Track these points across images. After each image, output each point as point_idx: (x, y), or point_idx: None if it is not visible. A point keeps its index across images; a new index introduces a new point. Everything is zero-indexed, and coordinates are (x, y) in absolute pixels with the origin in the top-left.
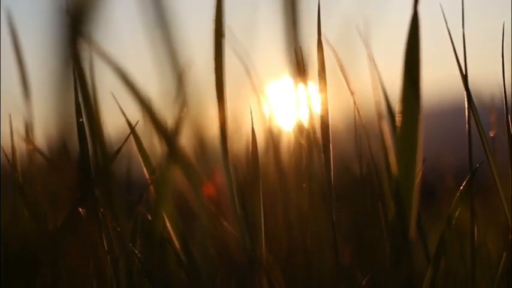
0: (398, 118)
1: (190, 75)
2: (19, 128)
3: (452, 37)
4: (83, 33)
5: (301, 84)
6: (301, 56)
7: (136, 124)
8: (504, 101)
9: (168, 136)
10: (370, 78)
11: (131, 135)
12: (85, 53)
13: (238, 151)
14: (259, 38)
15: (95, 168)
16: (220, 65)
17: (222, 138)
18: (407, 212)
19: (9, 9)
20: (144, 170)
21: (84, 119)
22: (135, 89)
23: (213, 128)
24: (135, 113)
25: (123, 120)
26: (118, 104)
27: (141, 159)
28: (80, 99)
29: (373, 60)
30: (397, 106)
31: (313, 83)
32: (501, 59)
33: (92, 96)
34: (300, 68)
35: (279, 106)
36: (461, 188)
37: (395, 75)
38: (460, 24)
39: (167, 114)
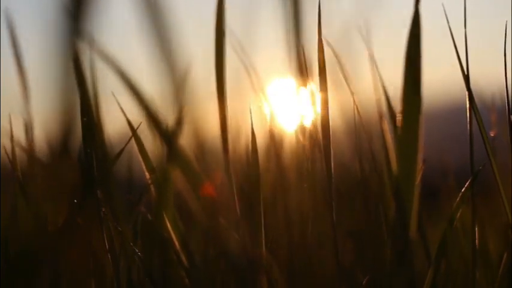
0: (399, 118)
1: (190, 75)
2: (19, 128)
3: (454, 37)
4: (82, 32)
5: (302, 84)
6: (303, 55)
7: (139, 126)
8: (506, 101)
9: (168, 136)
10: (371, 77)
11: (132, 136)
12: (85, 53)
13: (238, 151)
14: (259, 37)
15: (96, 169)
16: (221, 65)
17: (223, 138)
18: (408, 212)
19: (8, 8)
20: (145, 170)
21: (83, 119)
22: (135, 89)
23: (212, 128)
24: (135, 113)
25: (123, 120)
26: (119, 104)
27: (141, 160)
28: (79, 99)
29: (374, 60)
30: (397, 105)
31: (314, 82)
32: (503, 58)
33: (92, 96)
34: (301, 68)
35: (280, 106)
36: (463, 189)
37: (395, 75)
38: (462, 24)
39: (167, 114)
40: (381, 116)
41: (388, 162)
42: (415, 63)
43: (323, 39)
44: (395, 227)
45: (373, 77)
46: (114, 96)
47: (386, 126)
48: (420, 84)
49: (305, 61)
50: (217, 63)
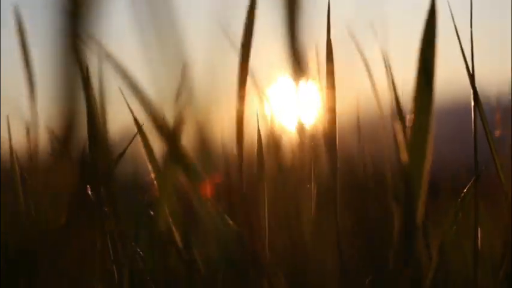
0: (410, 117)
1: (192, 74)
2: (20, 127)
3: (460, 36)
4: (84, 31)
5: (304, 84)
6: (305, 55)
7: (143, 124)
8: (511, 100)
9: (170, 136)
10: (381, 75)
11: (137, 132)
12: (89, 51)
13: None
14: (260, 37)
15: (99, 168)
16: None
17: (238, 139)
18: (414, 214)
19: (17, 8)
20: (149, 168)
21: (88, 117)
22: (136, 88)
23: (215, 128)
24: (139, 111)
25: (127, 118)
26: (126, 101)
27: (146, 157)
28: (84, 97)
29: (386, 58)
30: (408, 105)
31: (315, 82)
32: (511, 58)
33: (97, 94)
34: (302, 68)
35: (282, 106)
36: (466, 188)
37: (406, 73)
38: (467, 23)
39: (169, 112)
40: (390, 115)
41: (399, 162)
42: (429, 61)
43: (331, 37)
44: (400, 229)
45: (384, 74)
46: (121, 93)
47: (397, 125)
48: (433, 84)
49: (306, 60)
50: (242, 66)
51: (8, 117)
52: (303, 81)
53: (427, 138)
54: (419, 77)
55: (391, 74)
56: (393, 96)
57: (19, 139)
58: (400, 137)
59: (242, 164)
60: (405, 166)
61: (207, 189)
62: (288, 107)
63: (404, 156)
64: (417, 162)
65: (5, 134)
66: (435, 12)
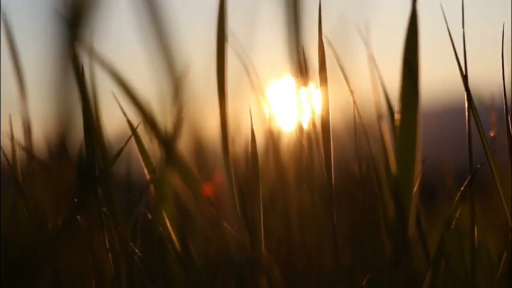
0: (397, 117)
1: (188, 76)
2: (19, 128)
3: (453, 37)
4: (80, 36)
5: (301, 84)
6: (302, 55)
7: (138, 125)
8: (504, 101)
9: (166, 140)
10: (370, 77)
11: (132, 135)
12: (83, 56)
13: (238, 151)
14: (259, 37)
15: (97, 169)
16: (222, 65)
17: (223, 138)
18: (407, 212)
19: (5, 10)
20: (145, 170)
21: (83, 119)
22: (131, 94)
23: (211, 130)
24: (134, 113)
25: (122, 119)
26: (119, 104)
27: (141, 160)
28: (79, 99)
29: (373, 60)
30: (396, 105)
31: (313, 82)
32: (501, 59)
33: (92, 96)
34: (301, 68)
35: (280, 106)
36: (462, 188)
37: (395, 75)
38: (460, 24)
39: (165, 116)
40: (379, 116)
41: (387, 163)
42: (413, 61)
43: (323, 39)
44: (393, 227)
45: (372, 76)
46: (114, 96)
47: (385, 126)
48: (418, 83)
49: (305, 61)
50: (218, 63)
51: (10, 116)
52: (302, 81)
53: (415, 137)
54: (404, 77)
55: (379, 74)
56: (382, 96)
57: (18, 140)
58: (388, 137)
59: (229, 164)
60: (393, 168)
61: (204, 191)
62: (286, 107)
63: (392, 157)
64: (406, 162)
65: (4, 135)
66: (416, 13)
